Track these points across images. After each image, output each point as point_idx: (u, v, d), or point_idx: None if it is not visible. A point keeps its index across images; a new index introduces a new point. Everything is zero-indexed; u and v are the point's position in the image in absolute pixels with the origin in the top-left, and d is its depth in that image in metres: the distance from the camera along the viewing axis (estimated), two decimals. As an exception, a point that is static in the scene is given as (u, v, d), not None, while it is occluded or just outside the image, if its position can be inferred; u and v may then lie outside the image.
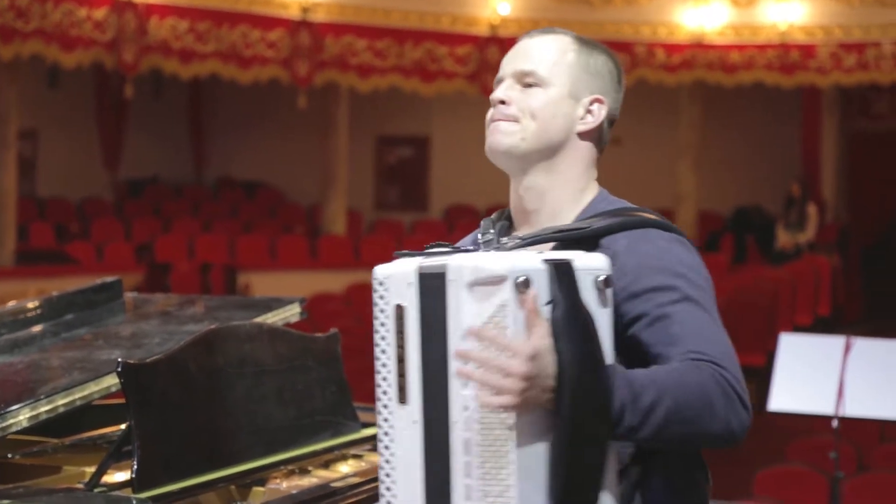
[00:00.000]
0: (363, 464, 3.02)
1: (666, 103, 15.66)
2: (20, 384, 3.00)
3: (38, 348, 3.36)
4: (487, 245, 2.15)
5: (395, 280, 2.07)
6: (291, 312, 3.52)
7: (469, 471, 1.94)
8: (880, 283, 15.71)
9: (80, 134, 16.41)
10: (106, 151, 16.50)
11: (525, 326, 1.90)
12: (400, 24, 14.48)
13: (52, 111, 16.19)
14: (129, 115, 16.48)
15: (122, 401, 2.74)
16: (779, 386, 5.73)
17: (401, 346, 2.06)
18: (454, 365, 1.95)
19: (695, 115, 15.49)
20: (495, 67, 2.37)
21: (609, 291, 1.97)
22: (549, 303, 1.91)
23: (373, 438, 2.69)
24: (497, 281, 1.91)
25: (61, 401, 2.83)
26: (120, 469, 2.77)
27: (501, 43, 14.18)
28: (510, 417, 1.91)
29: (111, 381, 2.87)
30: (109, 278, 3.77)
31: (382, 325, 2.08)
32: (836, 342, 5.74)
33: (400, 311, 2.06)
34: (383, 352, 2.08)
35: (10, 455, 3.03)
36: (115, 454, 2.67)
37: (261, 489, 2.83)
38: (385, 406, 2.09)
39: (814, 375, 5.65)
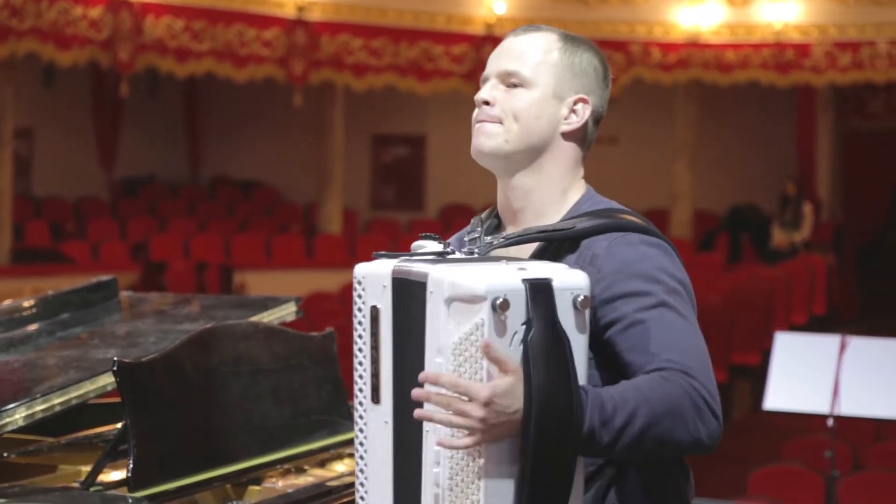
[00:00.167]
0: (359, 463, 3.02)
1: (661, 102, 15.67)
2: (16, 383, 3.00)
3: (34, 347, 3.35)
4: (473, 243, 2.16)
5: (371, 281, 2.08)
6: (287, 311, 3.52)
7: (438, 480, 1.94)
8: (875, 282, 15.72)
9: (75, 133, 16.40)
10: (101, 150, 16.48)
11: (491, 362, 1.88)
12: (395, 23, 14.47)
13: (47, 110, 16.17)
14: (125, 114, 16.46)
15: (117, 400, 2.75)
16: (774, 385, 5.73)
17: (374, 348, 2.07)
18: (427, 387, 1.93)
19: (690, 115, 15.49)
20: (491, 67, 2.37)
21: (587, 312, 1.96)
22: (525, 323, 1.91)
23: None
24: (475, 300, 1.89)
25: (57, 400, 2.84)
26: (116, 468, 2.77)
27: (497, 42, 13.98)
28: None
29: (107, 379, 2.88)
30: (105, 277, 3.77)
31: (360, 324, 2.10)
32: (831, 341, 5.74)
33: (375, 312, 2.07)
34: (360, 350, 2.10)
35: (5, 454, 3.03)
36: (110, 453, 2.68)
37: (256, 488, 2.83)
38: (360, 404, 2.11)
39: (809, 374, 5.66)
